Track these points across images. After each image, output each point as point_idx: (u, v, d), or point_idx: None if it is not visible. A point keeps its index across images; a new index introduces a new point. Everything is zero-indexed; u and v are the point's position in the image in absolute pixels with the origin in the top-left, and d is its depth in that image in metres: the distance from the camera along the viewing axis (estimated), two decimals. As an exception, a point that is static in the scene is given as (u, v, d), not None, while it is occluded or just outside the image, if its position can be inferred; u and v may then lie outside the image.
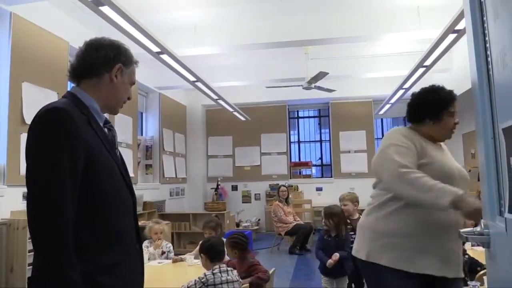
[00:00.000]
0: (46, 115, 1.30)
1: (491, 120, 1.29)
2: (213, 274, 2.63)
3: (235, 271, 2.77)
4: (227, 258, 3.24)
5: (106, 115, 1.56)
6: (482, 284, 2.64)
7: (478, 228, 1.41)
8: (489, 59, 1.24)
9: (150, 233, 4.09)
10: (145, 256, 3.82)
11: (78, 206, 1.28)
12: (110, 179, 1.40)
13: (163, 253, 4.02)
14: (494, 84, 1.16)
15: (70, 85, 1.54)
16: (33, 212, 1.23)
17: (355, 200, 3.99)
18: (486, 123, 1.31)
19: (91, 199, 1.32)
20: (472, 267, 3.16)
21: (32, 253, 1.27)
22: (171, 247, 4.12)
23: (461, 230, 1.44)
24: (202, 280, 2.58)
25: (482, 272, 2.95)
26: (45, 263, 1.21)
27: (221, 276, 2.64)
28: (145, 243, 4.07)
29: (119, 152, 1.56)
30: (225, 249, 3.37)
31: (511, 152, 1.01)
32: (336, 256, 3.62)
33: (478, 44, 1.33)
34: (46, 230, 1.21)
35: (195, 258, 3.75)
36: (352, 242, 3.65)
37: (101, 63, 1.47)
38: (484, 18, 1.29)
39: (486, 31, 1.26)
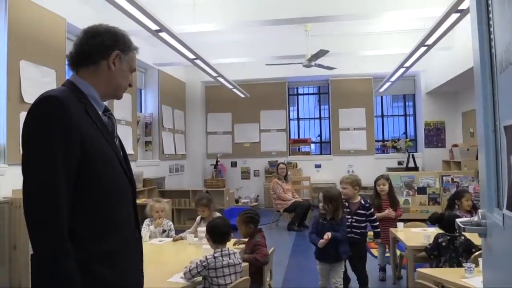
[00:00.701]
0: (40, 104, 1.30)
1: (493, 113, 1.29)
2: (214, 257, 2.64)
3: (237, 254, 2.79)
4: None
5: (106, 102, 1.56)
6: (476, 265, 2.71)
7: (475, 218, 1.42)
8: (492, 43, 1.23)
9: (151, 212, 4.13)
10: (146, 234, 3.89)
11: (75, 195, 1.29)
12: (107, 168, 1.40)
13: (164, 231, 4.08)
14: (498, 81, 1.16)
15: (68, 64, 1.55)
16: (28, 201, 1.25)
17: (355, 184, 3.86)
18: (488, 116, 1.31)
19: (88, 188, 1.33)
20: (468, 248, 3.22)
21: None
22: (172, 226, 4.18)
23: (458, 220, 1.46)
24: (203, 264, 2.60)
25: (477, 253, 3.01)
26: (40, 250, 1.23)
27: (222, 260, 2.65)
28: (146, 222, 4.13)
29: (119, 140, 1.56)
30: (238, 227, 3.40)
31: (511, 151, 1.02)
32: (327, 235, 3.37)
33: (482, 30, 1.32)
34: (41, 219, 1.22)
35: (195, 236, 3.81)
36: (349, 226, 3.70)
37: (98, 50, 1.45)
38: (489, 1, 1.28)
39: (491, 15, 1.25)
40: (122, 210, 1.46)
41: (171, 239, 3.89)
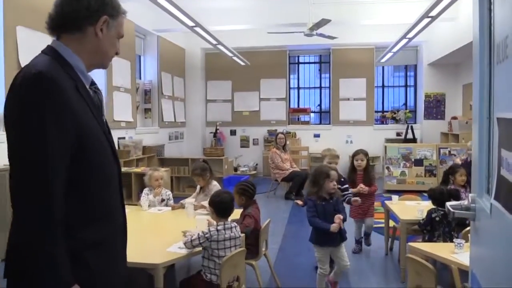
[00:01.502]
0: (31, 82, 1.16)
1: (489, 102, 1.30)
2: (217, 230, 2.69)
3: (238, 227, 2.86)
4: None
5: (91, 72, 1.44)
6: (466, 241, 2.78)
7: (465, 202, 1.46)
8: (492, 28, 1.23)
9: (150, 181, 4.17)
10: (145, 203, 3.96)
11: (68, 182, 1.21)
12: (99, 152, 1.31)
13: (162, 200, 4.14)
14: (494, 71, 1.16)
15: (47, 27, 1.36)
16: (19, 189, 1.16)
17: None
18: (483, 104, 1.32)
19: (79, 174, 1.24)
20: (461, 222, 3.27)
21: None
22: (171, 195, 4.24)
23: (448, 204, 1.49)
24: (206, 235, 2.65)
25: (467, 228, 3.07)
26: (31, 240, 1.15)
27: (225, 233, 2.71)
28: (145, 191, 4.19)
29: (105, 118, 1.45)
30: (234, 196, 3.43)
31: (502, 143, 1.04)
32: (339, 217, 3.11)
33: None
34: (33, 207, 1.14)
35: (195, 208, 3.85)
36: (344, 200, 3.71)
37: (84, 15, 1.30)
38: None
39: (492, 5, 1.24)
40: (112, 197, 1.40)
41: (170, 208, 3.97)
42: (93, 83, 1.40)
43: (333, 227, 3.08)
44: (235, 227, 2.82)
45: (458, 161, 6.18)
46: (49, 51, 1.30)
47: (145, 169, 5.96)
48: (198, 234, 2.66)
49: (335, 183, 3.29)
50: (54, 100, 1.17)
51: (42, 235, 1.14)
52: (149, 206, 4.01)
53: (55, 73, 1.21)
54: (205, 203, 3.74)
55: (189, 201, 3.91)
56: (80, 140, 1.23)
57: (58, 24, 1.32)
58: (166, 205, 4.11)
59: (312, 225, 3.25)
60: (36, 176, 1.15)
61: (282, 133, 8.26)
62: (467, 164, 4.51)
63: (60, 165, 1.18)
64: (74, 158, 1.22)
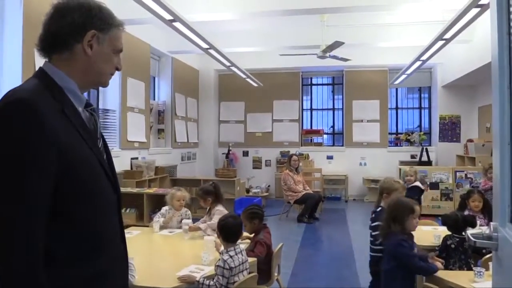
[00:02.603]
0: (8, 109, 1.07)
1: (510, 126, 1.26)
2: (231, 257, 2.64)
3: (244, 251, 2.81)
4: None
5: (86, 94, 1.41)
6: (486, 269, 2.67)
7: (487, 231, 1.40)
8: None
9: (172, 200, 4.09)
10: (156, 226, 3.90)
11: (53, 214, 1.09)
12: (89, 178, 1.19)
13: (181, 220, 4.10)
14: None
15: (37, 49, 1.29)
16: None
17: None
18: (504, 129, 1.28)
19: (64, 204, 1.12)
20: (477, 249, 3.16)
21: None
22: (190, 214, 4.19)
23: (469, 232, 1.44)
24: (226, 268, 2.57)
25: (487, 256, 2.97)
26: (9, 284, 1.03)
27: (238, 258, 2.66)
28: (162, 211, 4.08)
29: (103, 140, 1.34)
30: (243, 224, 3.29)
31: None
32: (433, 256, 2.92)
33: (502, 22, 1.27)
34: (10, 247, 1.02)
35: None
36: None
37: (69, 32, 1.20)
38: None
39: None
40: (108, 225, 1.27)
41: (182, 229, 3.87)
42: (88, 105, 1.28)
43: (439, 265, 2.79)
44: (243, 250, 2.78)
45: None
46: (38, 73, 1.23)
47: (158, 189, 5.94)
48: (217, 273, 2.57)
49: (417, 220, 2.95)
50: (30, 128, 1.06)
51: (24, 282, 1.03)
52: (160, 228, 3.96)
53: (34, 98, 1.10)
54: (203, 226, 3.72)
55: (186, 221, 3.80)
56: (66, 169, 1.11)
57: (47, 45, 1.24)
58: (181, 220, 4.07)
59: (416, 269, 2.75)
60: (11, 213, 1.03)
61: (295, 155, 8.22)
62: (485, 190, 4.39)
63: (39, 198, 1.07)
64: (59, 189, 1.10)
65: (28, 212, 1.04)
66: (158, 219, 4.03)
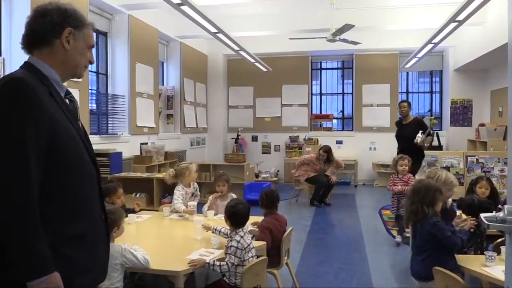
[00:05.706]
0: (6, 87, 1.28)
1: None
2: (242, 237, 2.70)
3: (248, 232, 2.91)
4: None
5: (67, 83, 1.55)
6: (498, 253, 2.66)
7: (500, 214, 1.38)
8: None
9: (190, 175, 4.12)
10: (180, 207, 3.87)
11: (44, 180, 1.29)
12: (75, 152, 1.40)
13: (192, 194, 4.18)
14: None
15: (21, 46, 1.51)
16: None
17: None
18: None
19: (55, 173, 1.33)
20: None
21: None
22: (197, 188, 4.30)
23: (482, 215, 1.41)
24: (239, 248, 2.63)
25: (499, 240, 2.95)
26: (11, 235, 1.21)
27: (246, 238, 2.74)
28: (178, 194, 4.02)
29: (81, 124, 1.54)
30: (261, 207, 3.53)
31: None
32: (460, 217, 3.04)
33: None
34: (12, 203, 1.21)
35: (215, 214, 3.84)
36: None
37: (49, 30, 1.42)
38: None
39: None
40: (90, 193, 1.47)
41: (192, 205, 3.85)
42: (68, 93, 1.50)
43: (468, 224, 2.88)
44: (247, 231, 2.87)
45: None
46: (24, 65, 1.42)
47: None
48: (230, 253, 2.63)
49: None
50: (29, 98, 1.27)
51: (26, 232, 1.22)
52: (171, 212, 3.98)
53: (27, 77, 1.32)
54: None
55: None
56: (56, 139, 1.32)
57: (30, 41, 1.44)
58: (193, 198, 4.15)
59: (459, 246, 2.73)
60: (10, 175, 1.22)
61: (325, 151, 7.59)
62: None
63: (36, 159, 1.26)
64: (51, 157, 1.30)
65: (27, 157, 1.23)
66: (181, 199, 3.98)
